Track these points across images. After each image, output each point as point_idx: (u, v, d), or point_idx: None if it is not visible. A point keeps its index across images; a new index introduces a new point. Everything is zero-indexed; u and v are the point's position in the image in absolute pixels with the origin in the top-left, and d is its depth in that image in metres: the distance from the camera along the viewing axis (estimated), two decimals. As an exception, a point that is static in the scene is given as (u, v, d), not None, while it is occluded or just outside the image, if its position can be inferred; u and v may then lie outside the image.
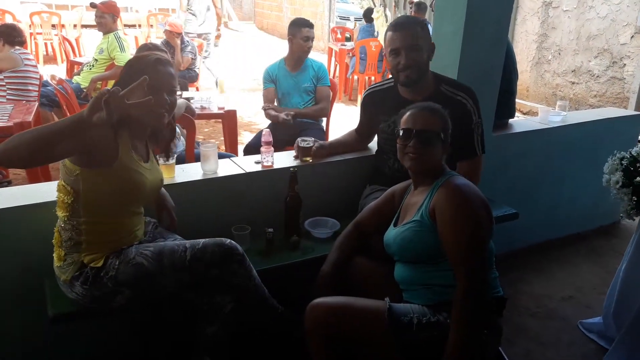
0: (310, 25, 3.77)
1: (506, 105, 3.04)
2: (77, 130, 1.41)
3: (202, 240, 1.80)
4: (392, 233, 1.85)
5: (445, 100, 2.13)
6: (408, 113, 1.83)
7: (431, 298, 1.72)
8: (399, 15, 8.00)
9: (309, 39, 3.72)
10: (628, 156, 2.21)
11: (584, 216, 3.60)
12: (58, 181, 1.75)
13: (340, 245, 2.00)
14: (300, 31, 3.70)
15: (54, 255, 1.79)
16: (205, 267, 1.77)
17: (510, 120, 3.21)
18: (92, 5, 5.21)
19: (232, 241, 1.83)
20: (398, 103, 2.25)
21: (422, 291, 1.75)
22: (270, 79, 3.84)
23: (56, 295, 1.83)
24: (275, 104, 3.92)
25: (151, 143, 1.95)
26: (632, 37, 6.23)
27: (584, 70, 6.90)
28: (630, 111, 4.05)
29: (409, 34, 2.20)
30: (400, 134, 1.82)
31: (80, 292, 1.72)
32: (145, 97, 1.46)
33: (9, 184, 4.08)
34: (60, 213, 1.74)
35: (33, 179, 3.26)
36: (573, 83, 7.09)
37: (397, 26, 2.24)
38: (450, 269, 1.64)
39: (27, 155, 1.40)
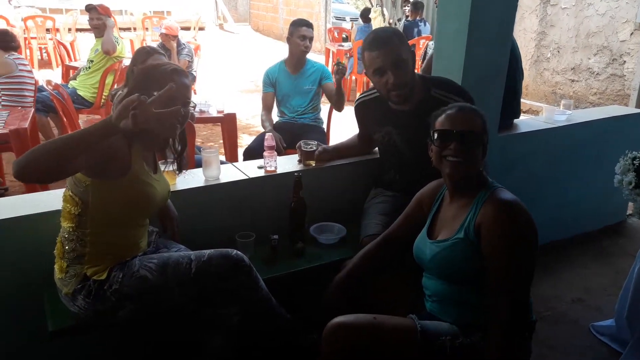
0: (308, 25, 3.72)
1: (511, 105, 2.99)
2: (105, 136, 1.39)
3: (207, 252, 1.75)
4: (426, 246, 1.70)
5: (438, 105, 1.95)
6: (444, 114, 1.66)
7: (462, 317, 1.62)
8: (395, 15, 7.95)
9: (306, 38, 3.66)
10: (640, 156, 2.17)
11: (590, 216, 3.56)
12: (64, 191, 1.70)
13: (363, 254, 1.91)
14: (297, 30, 3.65)
15: (55, 266, 1.74)
16: (211, 280, 1.72)
17: (515, 120, 3.17)
18: (89, 7, 5.14)
19: (239, 252, 1.78)
20: (387, 114, 2.21)
21: (453, 308, 1.64)
22: (270, 82, 3.79)
23: (56, 308, 1.78)
24: (275, 106, 3.87)
25: (159, 154, 1.91)
26: (631, 33, 6.21)
27: (583, 68, 6.87)
28: (636, 109, 4.00)
29: (391, 50, 2.05)
30: (436, 136, 1.65)
31: (82, 306, 1.67)
32: (165, 106, 1.44)
33: (5, 191, 4.02)
34: (65, 224, 1.69)
35: (30, 187, 3.18)
36: (573, 81, 7.06)
37: (375, 44, 2.08)
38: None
39: (48, 166, 1.36)
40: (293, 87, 3.75)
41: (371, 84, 2.29)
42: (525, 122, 3.30)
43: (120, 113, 1.33)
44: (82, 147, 1.39)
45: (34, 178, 1.44)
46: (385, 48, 2.05)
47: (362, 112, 2.41)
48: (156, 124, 1.42)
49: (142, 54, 3.05)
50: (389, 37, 2.10)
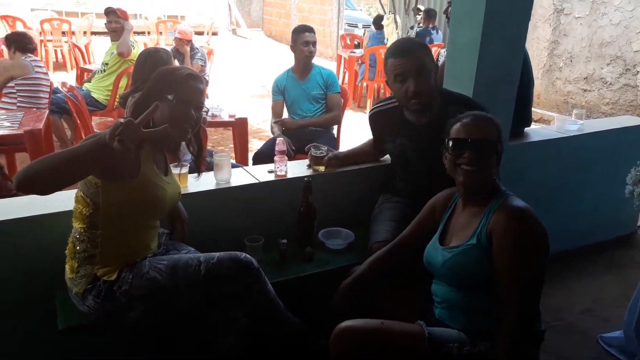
0: (310, 30, 3.75)
1: (522, 113, 2.99)
2: (99, 154, 1.42)
3: (216, 254, 1.76)
4: (438, 253, 1.71)
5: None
6: (459, 123, 1.67)
7: (471, 324, 1.62)
8: (408, 22, 7.96)
9: (309, 43, 3.69)
10: (651, 167, 2.16)
11: (601, 226, 3.53)
12: (75, 191, 1.72)
13: (372, 260, 1.91)
14: (299, 37, 3.69)
15: (67, 266, 1.76)
16: (220, 283, 1.73)
17: (527, 129, 3.16)
18: (108, 10, 5.21)
19: (248, 255, 1.79)
20: (402, 126, 2.20)
21: (462, 315, 1.64)
22: (279, 90, 3.83)
23: (67, 307, 1.79)
24: (285, 113, 3.89)
25: (172, 156, 1.93)
26: (645, 44, 6.17)
27: (596, 78, 6.83)
28: (648, 119, 3.96)
29: (415, 58, 2.04)
30: (450, 145, 1.66)
31: (92, 306, 1.69)
32: (171, 113, 1.52)
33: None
34: (77, 224, 1.71)
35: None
36: (585, 90, 7.02)
37: (400, 51, 2.08)
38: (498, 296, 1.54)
39: (49, 182, 1.41)
40: (301, 93, 3.78)
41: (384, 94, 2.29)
42: (537, 131, 3.29)
43: (110, 135, 1.35)
44: (78, 165, 1.43)
45: (33, 191, 1.46)
46: (410, 55, 2.04)
47: (376, 121, 2.39)
48: (149, 142, 1.45)
49: (147, 54, 3.08)
50: (414, 45, 2.10)
